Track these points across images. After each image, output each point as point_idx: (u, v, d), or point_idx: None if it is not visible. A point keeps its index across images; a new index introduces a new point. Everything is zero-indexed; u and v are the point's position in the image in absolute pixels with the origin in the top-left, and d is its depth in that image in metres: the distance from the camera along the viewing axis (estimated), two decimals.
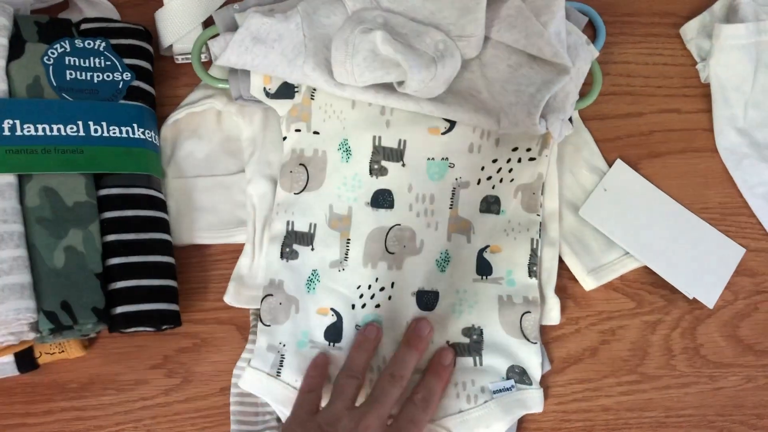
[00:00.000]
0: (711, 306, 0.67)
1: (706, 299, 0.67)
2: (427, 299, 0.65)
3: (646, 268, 0.68)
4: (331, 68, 0.63)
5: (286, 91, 0.67)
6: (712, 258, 0.69)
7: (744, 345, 0.69)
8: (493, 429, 0.62)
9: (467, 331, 0.64)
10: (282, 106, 0.67)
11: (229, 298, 0.66)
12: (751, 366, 0.68)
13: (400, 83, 0.63)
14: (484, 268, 0.66)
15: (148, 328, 0.63)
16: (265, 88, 0.66)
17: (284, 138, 0.68)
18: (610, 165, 0.71)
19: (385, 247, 0.66)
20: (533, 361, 0.64)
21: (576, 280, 0.69)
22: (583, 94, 0.69)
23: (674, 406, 0.67)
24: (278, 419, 0.64)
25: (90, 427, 0.65)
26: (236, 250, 0.68)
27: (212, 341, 0.67)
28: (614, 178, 0.70)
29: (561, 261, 0.68)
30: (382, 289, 0.65)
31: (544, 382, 0.66)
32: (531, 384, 0.63)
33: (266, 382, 0.63)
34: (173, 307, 0.64)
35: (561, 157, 0.70)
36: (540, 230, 0.67)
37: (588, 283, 0.68)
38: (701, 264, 0.68)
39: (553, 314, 0.67)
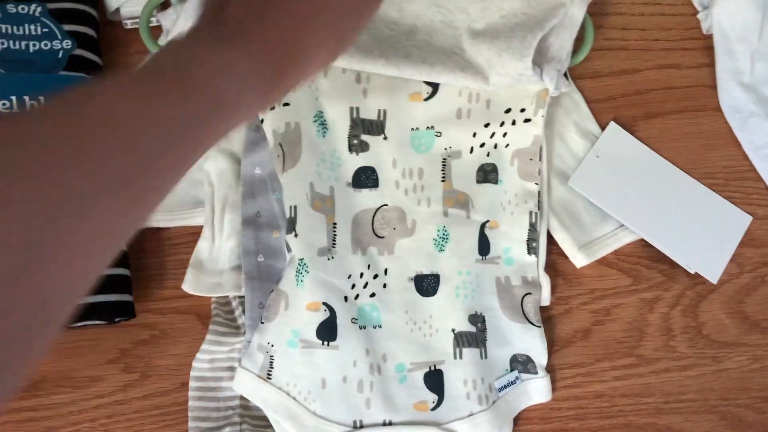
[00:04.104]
0: (714, 281, 0.63)
1: (709, 274, 0.63)
2: (426, 284, 0.61)
3: (643, 241, 0.64)
4: None
5: None
6: (716, 228, 0.64)
7: (750, 322, 0.64)
8: (503, 430, 0.59)
9: (473, 319, 0.61)
10: None
11: (188, 286, 0.61)
12: (757, 345, 0.64)
13: None
14: (484, 247, 0.62)
15: (98, 322, 0.58)
16: None
17: (261, 121, 0.61)
18: (603, 128, 0.66)
19: (373, 231, 0.61)
20: (537, 345, 0.61)
21: (566, 257, 0.64)
22: (573, 50, 0.64)
23: (674, 390, 0.63)
24: (241, 415, 0.59)
25: (43, 428, 0.61)
26: (195, 232, 0.63)
27: (172, 332, 0.62)
28: (608, 143, 0.65)
29: (550, 236, 0.63)
30: (375, 276, 0.60)
31: None
32: (536, 373, 0.61)
33: (257, 385, 0.59)
34: (126, 297, 0.59)
35: (550, 122, 0.64)
36: (539, 201, 0.62)
37: (579, 259, 0.63)
38: (703, 235, 0.63)
39: (542, 294, 0.62)
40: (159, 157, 0.31)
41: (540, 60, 0.59)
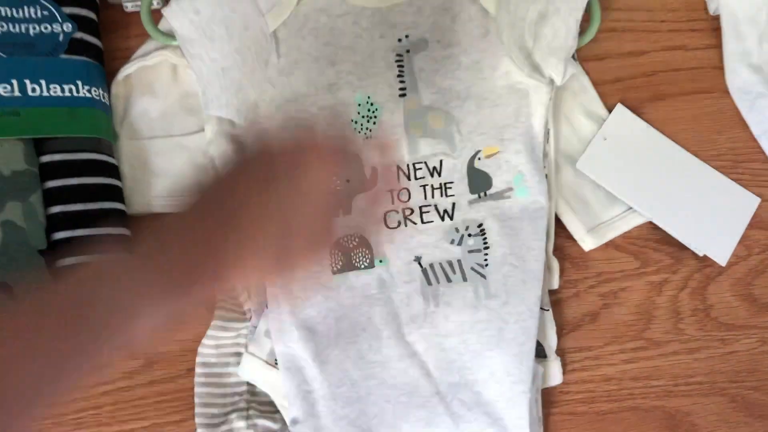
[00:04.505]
0: (723, 263, 0.62)
1: (717, 256, 0.62)
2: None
3: (650, 223, 0.63)
4: None
5: None
6: (724, 210, 0.63)
7: (759, 304, 0.64)
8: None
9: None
10: None
11: None
12: (765, 327, 0.64)
13: None
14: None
15: None
16: None
17: None
18: (610, 111, 0.65)
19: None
20: (547, 329, 0.60)
21: (574, 240, 0.63)
22: (579, 31, 0.63)
23: (682, 373, 0.63)
24: (248, 401, 0.59)
25: (48, 415, 0.60)
26: None
27: None
28: (615, 126, 0.64)
29: (557, 219, 0.63)
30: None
31: None
32: (546, 356, 0.60)
33: (264, 371, 0.58)
34: None
35: (556, 104, 0.64)
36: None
37: (587, 242, 0.62)
38: (712, 217, 0.63)
39: (551, 278, 0.61)
40: (38, 392, 0.33)
41: (545, 53, 0.59)
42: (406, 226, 0.59)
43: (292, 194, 0.39)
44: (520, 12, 0.59)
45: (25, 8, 0.59)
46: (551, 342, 0.60)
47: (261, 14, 0.58)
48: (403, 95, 0.59)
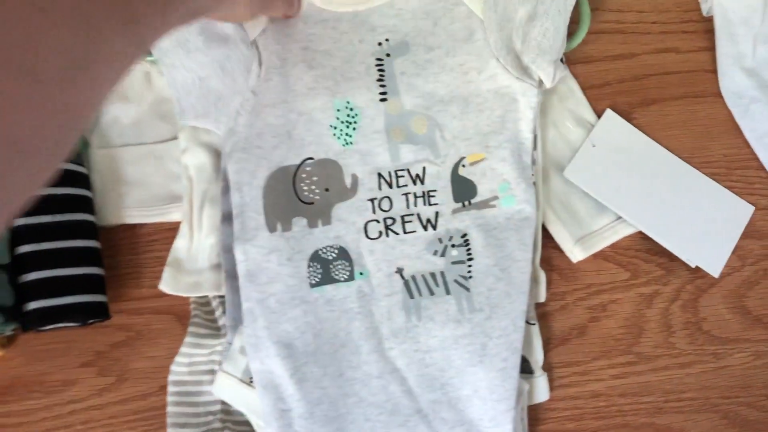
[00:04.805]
0: (716, 274, 0.60)
1: (710, 267, 0.60)
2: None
3: (641, 233, 0.61)
4: None
5: None
6: (717, 219, 0.61)
7: (752, 317, 0.62)
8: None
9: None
10: None
11: (165, 286, 0.58)
12: (759, 341, 0.61)
13: None
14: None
15: (70, 324, 0.55)
16: None
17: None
18: (599, 116, 0.63)
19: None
20: (533, 343, 0.58)
21: (561, 251, 0.61)
22: (568, 33, 0.60)
23: (674, 389, 0.60)
24: (222, 420, 0.56)
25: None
26: (172, 228, 0.60)
27: (149, 334, 0.59)
28: (604, 132, 0.62)
29: (545, 229, 0.60)
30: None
31: None
32: (532, 372, 0.58)
33: (239, 389, 0.55)
34: (99, 298, 0.56)
35: (543, 109, 0.61)
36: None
37: (575, 254, 0.60)
38: (704, 227, 0.61)
39: (538, 290, 0.59)
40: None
41: (534, 55, 0.56)
42: (387, 236, 0.56)
43: None
44: (509, 13, 0.56)
45: None
46: (538, 357, 0.58)
47: (240, 24, 0.56)
48: (384, 100, 0.57)
